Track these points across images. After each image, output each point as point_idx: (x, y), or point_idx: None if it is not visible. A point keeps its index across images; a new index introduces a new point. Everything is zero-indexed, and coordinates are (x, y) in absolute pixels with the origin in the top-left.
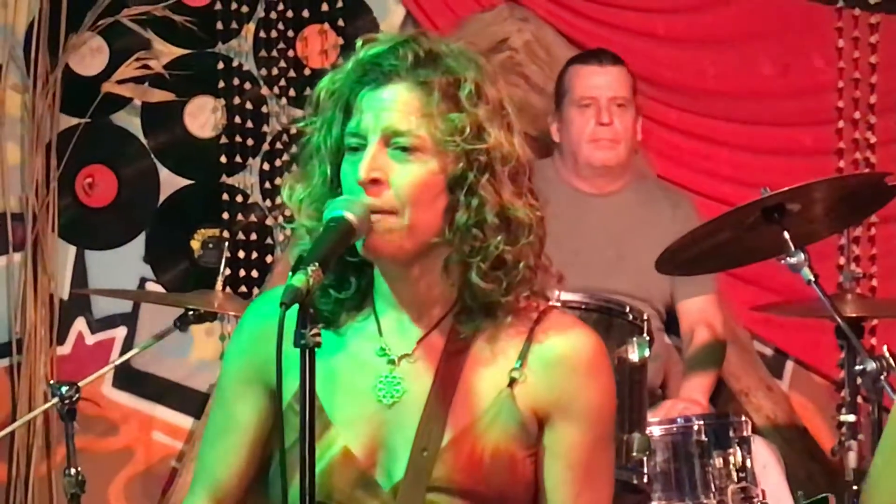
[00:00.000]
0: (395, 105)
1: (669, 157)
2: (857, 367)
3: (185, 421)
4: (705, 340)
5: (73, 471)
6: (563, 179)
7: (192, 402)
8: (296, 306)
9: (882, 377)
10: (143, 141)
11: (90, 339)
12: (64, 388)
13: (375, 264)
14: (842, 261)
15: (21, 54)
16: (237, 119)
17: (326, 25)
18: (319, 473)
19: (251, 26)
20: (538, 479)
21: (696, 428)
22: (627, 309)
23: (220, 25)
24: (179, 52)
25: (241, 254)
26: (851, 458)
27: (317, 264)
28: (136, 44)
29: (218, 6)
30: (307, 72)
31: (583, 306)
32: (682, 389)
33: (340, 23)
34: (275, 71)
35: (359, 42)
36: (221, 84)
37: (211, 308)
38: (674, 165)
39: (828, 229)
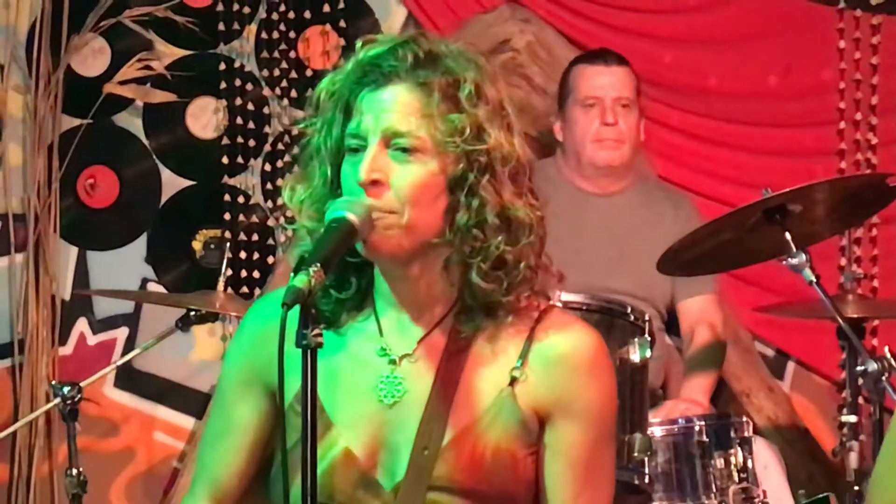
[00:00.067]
0: (395, 106)
1: (671, 158)
2: (859, 368)
3: (186, 421)
4: (706, 341)
5: (74, 471)
6: (566, 179)
7: (194, 402)
8: (297, 307)
9: (883, 378)
10: (145, 142)
11: (92, 340)
12: (66, 389)
13: (375, 264)
14: (843, 262)
15: (23, 55)
16: (239, 120)
17: (328, 26)
18: (321, 474)
19: (253, 27)
20: (539, 478)
21: (697, 428)
22: (629, 310)
23: (221, 26)
24: (181, 53)
25: (243, 254)
26: (853, 459)
27: (318, 265)
28: (138, 45)
29: (220, 7)
30: (309, 73)
31: (584, 307)
32: (683, 390)
33: (342, 24)
34: (276, 72)
35: (358, 43)
36: (223, 85)
37: (212, 309)
38: (675, 166)
39: (829, 230)
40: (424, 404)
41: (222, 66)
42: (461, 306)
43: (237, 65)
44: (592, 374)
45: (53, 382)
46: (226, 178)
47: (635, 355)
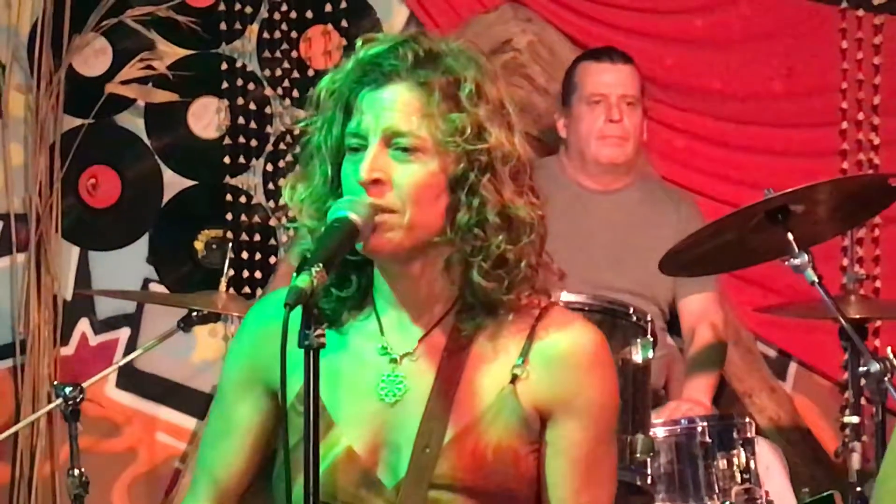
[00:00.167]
0: (395, 105)
1: (673, 158)
2: (861, 369)
3: (188, 422)
4: (707, 340)
5: (76, 472)
6: (569, 176)
7: (196, 402)
8: (299, 307)
9: (886, 378)
10: (147, 142)
11: (93, 340)
12: (67, 389)
13: (376, 263)
14: (845, 262)
15: (25, 55)
16: (241, 120)
17: (330, 26)
18: (323, 473)
19: (255, 27)
20: (541, 476)
21: (699, 429)
22: (631, 310)
23: (223, 26)
24: (183, 52)
25: (245, 255)
26: (855, 460)
27: (321, 265)
28: (140, 44)
29: (221, 7)
30: (311, 73)
31: (586, 307)
32: (685, 390)
33: (344, 24)
34: (278, 72)
35: (358, 42)
36: (225, 85)
37: (214, 309)
38: (677, 166)
39: (832, 231)
40: (425, 403)
41: (224, 66)
42: (462, 305)
43: (239, 64)
44: (594, 371)
45: (55, 383)
46: (228, 178)
47: (637, 356)
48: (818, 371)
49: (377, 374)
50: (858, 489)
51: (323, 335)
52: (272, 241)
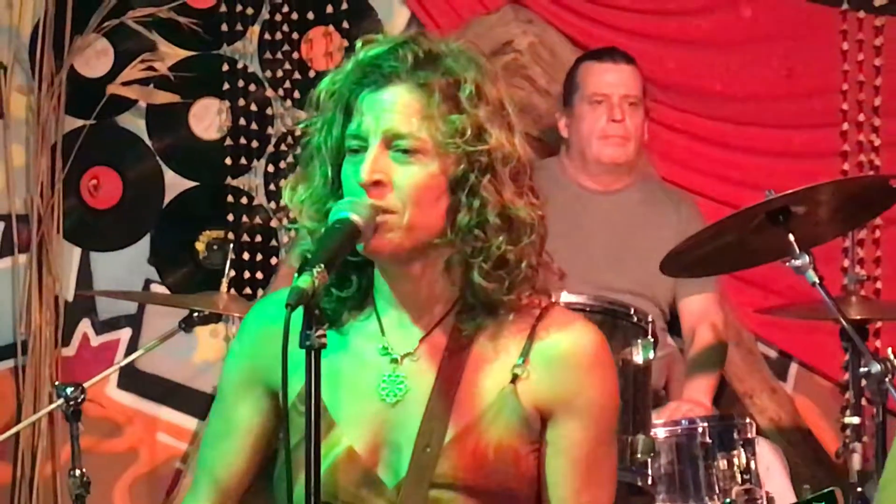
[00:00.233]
0: (395, 107)
1: (674, 160)
2: (862, 370)
3: (189, 422)
4: (708, 341)
5: (77, 472)
6: (569, 177)
7: (197, 403)
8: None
9: (886, 379)
10: (148, 143)
11: (95, 341)
12: (69, 390)
13: (376, 264)
14: (846, 263)
15: (26, 56)
16: (242, 121)
17: (331, 27)
18: (324, 473)
19: (256, 28)
20: (541, 475)
21: (700, 430)
22: (632, 311)
23: (224, 27)
24: (184, 53)
25: (246, 255)
26: (856, 461)
27: (322, 266)
28: (141, 46)
29: (223, 8)
30: (312, 74)
31: (587, 308)
32: (686, 390)
33: (345, 25)
34: (279, 73)
35: (358, 43)
36: (226, 86)
37: (215, 309)
38: (678, 168)
39: (832, 232)
40: (426, 403)
41: (225, 67)
42: (462, 305)
43: (240, 66)
44: (594, 371)
45: (56, 383)
46: (229, 179)
47: (638, 356)
48: (819, 372)
49: (378, 375)
50: (859, 490)
51: (324, 335)
52: (273, 242)
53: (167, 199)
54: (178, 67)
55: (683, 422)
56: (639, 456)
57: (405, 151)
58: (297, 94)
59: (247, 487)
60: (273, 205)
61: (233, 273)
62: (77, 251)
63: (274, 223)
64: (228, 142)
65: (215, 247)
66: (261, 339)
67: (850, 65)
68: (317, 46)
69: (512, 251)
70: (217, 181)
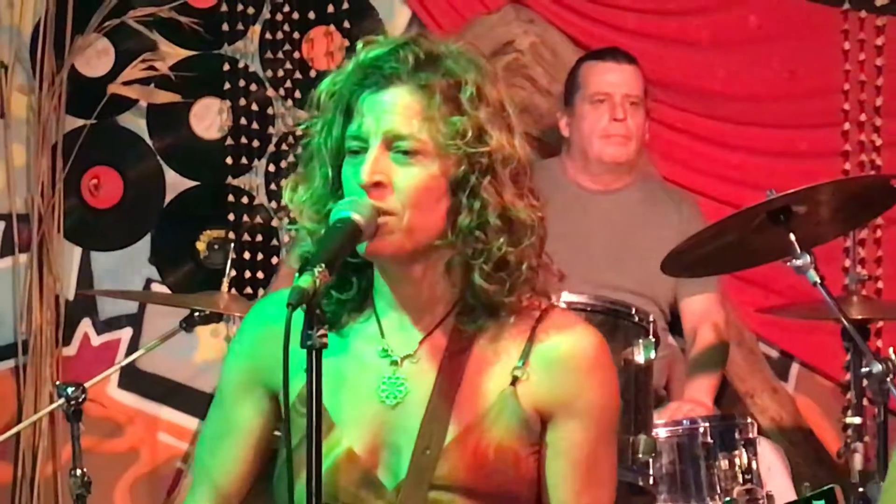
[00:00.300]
0: (396, 108)
1: (675, 159)
2: (863, 370)
3: (190, 422)
4: (709, 341)
5: (78, 472)
6: (569, 177)
7: (198, 402)
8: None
9: (888, 379)
10: (149, 142)
11: (96, 341)
12: (70, 389)
13: (376, 265)
14: (847, 263)
15: (27, 56)
16: (243, 120)
17: (332, 27)
18: (324, 474)
19: (257, 28)
20: (541, 477)
21: (701, 430)
22: (633, 311)
23: (225, 27)
24: (185, 53)
25: (247, 255)
26: (857, 461)
27: (323, 265)
28: (142, 45)
29: (224, 8)
30: (313, 74)
31: (588, 308)
32: (687, 390)
33: (346, 24)
34: (280, 73)
35: (359, 44)
36: (227, 86)
37: (216, 309)
38: (680, 168)
39: (834, 231)
40: (426, 405)
41: (226, 67)
42: (462, 307)
43: (241, 65)
44: (594, 373)
45: (57, 383)
46: (230, 179)
47: (640, 356)
48: (820, 372)
49: (378, 377)
50: (861, 490)
51: (325, 335)
52: (274, 242)
53: (168, 199)
54: (179, 67)
55: (685, 422)
56: (640, 456)
57: (406, 153)
58: (298, 94)
59: (247, 491)
60: (274, 204)
61: (233, 273)
62: (78, 251)
63: (275, 223)
64: (229, 141)
65: (216, 246)
66: (261, 339)
67: (851, 64)
68: (318, 46)
69: (512, 253)
70: (218, 181)
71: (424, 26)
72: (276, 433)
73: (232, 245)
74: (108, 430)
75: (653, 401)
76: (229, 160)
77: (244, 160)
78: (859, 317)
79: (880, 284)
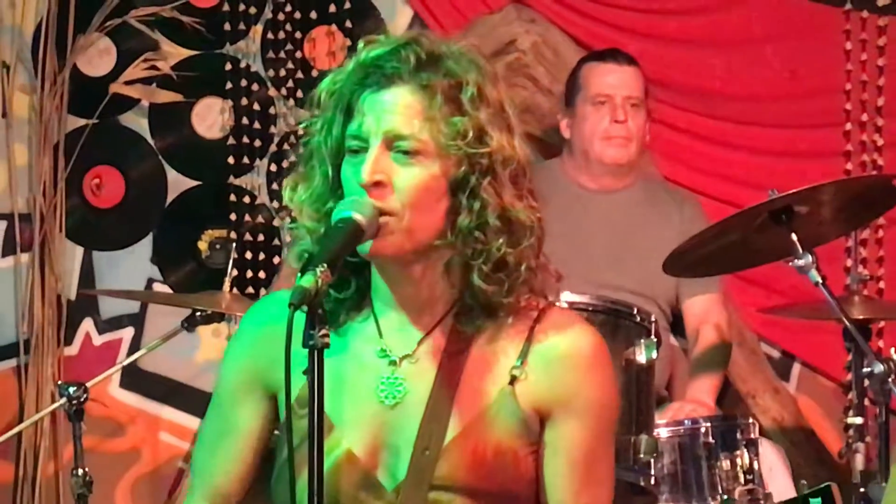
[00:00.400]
0: (397, 108)
1: (677, 159)
2: (865, 370)
3: (191, 421)
4: (711, 341)
5: (80, 471)
6: (570, 177)
7: (199, 402)
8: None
9: (889, 379)
10: (151, 142)
11: (97, 340)
12: (72, 389)
13: (374, 265)
14: (849, 263)
15: (29, 55)
16: (245, 120)
17: (334, 27)
18: (324, 475)
19: (259, 28)
20: (539, 476)
21: (703, 430)
22: (634, 310)
23: (227, 27)
24: (187, 53)
25: (249, 255)
26: (859, 461)
27: (325, 265)
28: (144, 45)
29: (226, 7)
30: (315, 73)
31: (589, 308)
32: (689, 391)
33: (348, 24)
34: (282, 72)
35: (360, 43)
36: (229, 85)
37: (218, 309)
38: (681, 167)
39: (835, 231)
40: (425, 405)
41: (228, 67)
42: (461, 307)
43: (243, 65)
44: (592, 371)
45: (59, 382)
46: (231, 179)
47: (641, 356)
48: (822, 372)
49: (376, 377)
50: (862, 490)
51: (327, 335)
52: (276, 242)
53: (170, 199)
54: (181, 66)
55: (686, 422)
56: (642, 456)
57: (406, 153)
58: (299, 94)
59: (245, 492)
60: (276, 204)
61: (235, 272)
62: (80, 250)
63: (276, 222)
64: (231, 141)
65: (218, 246)
66: (260, 340)
67: (853, 64)
68: (319, 46)
69: (512, 253)
70: (220, 180)
71: (426, 26)
72: (276, 433)
73: (234, 245)
74: (109, 429)
75: (654, 401)
76: (231, 160)
77: (246, 160)
78: (861, 317)
79: (882, 284)
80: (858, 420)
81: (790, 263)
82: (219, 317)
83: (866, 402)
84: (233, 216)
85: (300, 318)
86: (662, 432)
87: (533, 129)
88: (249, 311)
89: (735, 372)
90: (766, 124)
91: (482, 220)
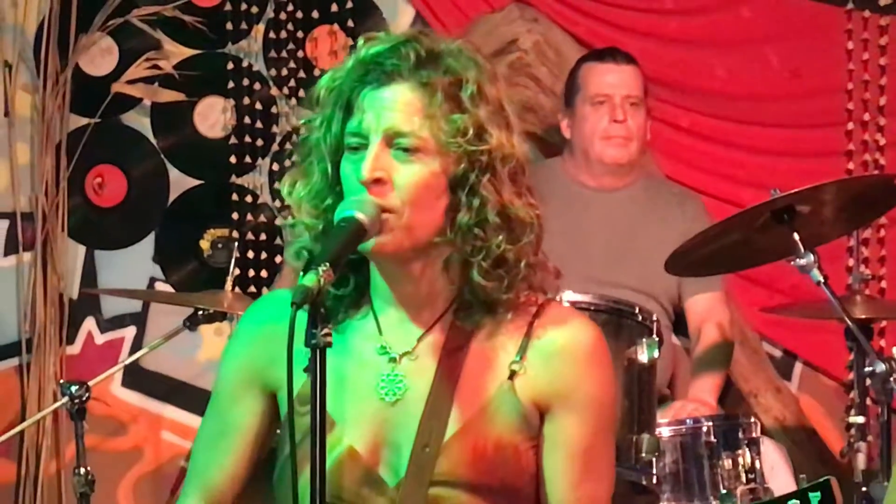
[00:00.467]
0: (397, 105)
1: (679, 159)
2: (866, 369)
3: (194, 420)
4: (713, 340)
5: (82, 470)
6: (570, 176)
7: (201, 401)
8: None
9: (891, 379)
10: (153, 141)
11: (99, 339)
12: (73, 388)
13: (374, 262)
14: (851, 262)
15: (31, 55)
16: (247, 119)
17: (336, 26)
18: (326, 472)
19: (261, 27)
20: (539, 470)
21: (705, 429)
22: (636, 310)
23: (229, 26)
24: (189, 52)
25: (251, 254)
26: (860, 460)
27: (327, 264)
28: (146, 44)
29: (228, 7)
30: (317, 72)
31: (592, 307)
32: (691, 390)
33: (350, 23)
34: (284, 71)
35: (360, 41)
36: (231, 84)
37: (220, 308)
38: (683, 167)
39: (837, 231)
40: (425, 401)
41: (230, 66)
42: (460, 303)
43: (245, 64)
44: (591, 365)
45: (61, 381)
46: (234, 178)
47: (643, 356)
48: (823, 371)
49: (377, 374)
50: (864, 489)
51: (329, 334)
52: (278, 241)
53: (172, 198)
54: (183, 66)
55: (688, 421)
56: (643, 455)
57: (406, 150)
58: (301, 93)
59: (239, 491)
60: (278, 203)
61: (237, 271)
62: (82, 249)
63: (279, 221)
64: (233, 140)
65: (220, 245)
66: (259, 338)
67: (854, 64)
68: (322, 45)
69: (511, 250)
70: (222, 179)
71: (428, 25)
72: (279, 432)
73: (236, 244)
74: (111, 428)
75: (656, 400)
76: (233, 159)
77: (248, 159)
78: (863, 316)
79: (884, 284)
80: (860, 419)
81: (792, 263)
82: (221, 316)
83: (868, 401)
84: (235, 215)
85: (301, 316)
86: (664, 431)
87: (535, 128)
88: (248, 310)
89: (737, 371)
90: (767, 124)
91: (481, 217)
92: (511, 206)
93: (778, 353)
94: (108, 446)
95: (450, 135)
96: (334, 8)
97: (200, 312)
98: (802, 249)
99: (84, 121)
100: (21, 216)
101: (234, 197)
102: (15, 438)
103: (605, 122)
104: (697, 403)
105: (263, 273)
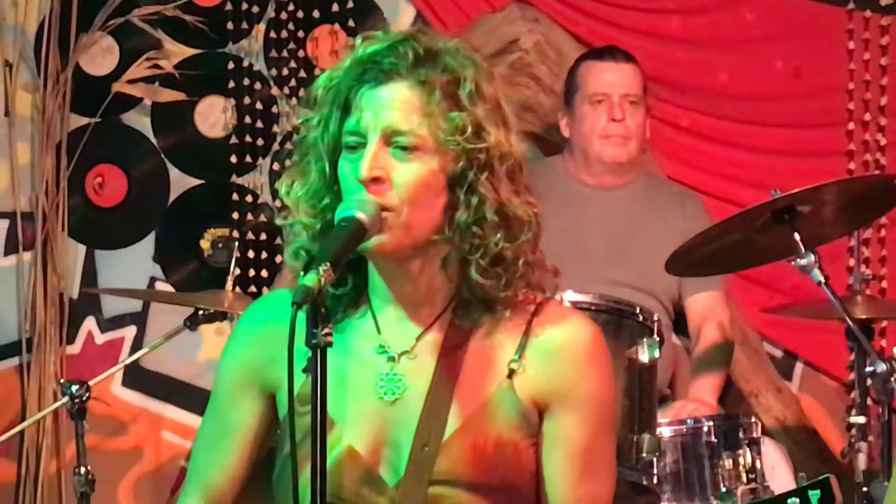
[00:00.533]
0: (395, 104)
1: (679, 159)
2: (867, 369)
3: (194, 420)
4: (713, 340)
5: (82, 470)
6: (570, 174)
7: (202, 401)
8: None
9: (892, 379)
10: (154, 141)
11: (100, 339)
12: (74, 387)
13: (372, 261)
14: (852, 262)
15: (31, 54)
16: (247, 119)
17: (337, 26)
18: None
19: (261, 27)
20: (539, 468)
21: (705, 429)
22: (637, 310)
23: (230, 25)
24: (190, 51)
25: (251, 254)
26: (861, 460)
27: (328, 264)
28: (147, 44)
29: (228, 6)
30: (317, 72)
31: (592, 307)
32: (691, 390)
33: (351, 23)
34: (285, 71)
35: (357, 39)
36: (232, 84)
37: (220, 308)
38: (684, 166)
39: (838, 231)
40: (424, 400)
41: (231, 65)
42: (459, 302)
43: (246, 64)
44: (589, 363)
45: (61, 381)
46: (234, 177)
47: (644, 355)
48: (824, 371)
49: (376, 373)
50: (865, 489)
51: (330, 334)
52: (278, 240)
53: (172, 197)
54: (184, 65)
55: (689, 421)
56: (644, 455)
57: (405, 148)
58: (302, 93)
59: (238, 491)
60: (278, 203)
61: (238, 271)
62: (82, 249)
63: (279, 221)
64: (234, 140)
65: (220, 245)
66: (258, 338)
67: (855, 64)
68: (322, 44)
69: (509, 248)
70: (222, 179)
71: (429, 25)
72: (279, 432)
73: (236, 243)
74: (111, 428)
75: (657, 400)
76: (234, 158)
77: (248, 158)
78: (863, 316)
79: (884, 284)
80: (861, 419)
81: (793, 263)
82: (221, 315)
83: (869, 401)
84: (235, 215)
85: (300, 316)
86: (665, 431)
87: (535, 127)
88: (247, 310)
89: (738, 371)
90: (768, 123)
91: (480, 215)
92: (509, 204)
93: (779, 354)
94: (109, 446)
95: (448, 133)
96: (335, 7)
97: (201, 312)
98: (803, 249)
99: (84, 120)
100: (21, 216)
101: (235, 197)
102: (15, 438)
103: (604, 121)
104: (698, 403)
105: (264, 273)
